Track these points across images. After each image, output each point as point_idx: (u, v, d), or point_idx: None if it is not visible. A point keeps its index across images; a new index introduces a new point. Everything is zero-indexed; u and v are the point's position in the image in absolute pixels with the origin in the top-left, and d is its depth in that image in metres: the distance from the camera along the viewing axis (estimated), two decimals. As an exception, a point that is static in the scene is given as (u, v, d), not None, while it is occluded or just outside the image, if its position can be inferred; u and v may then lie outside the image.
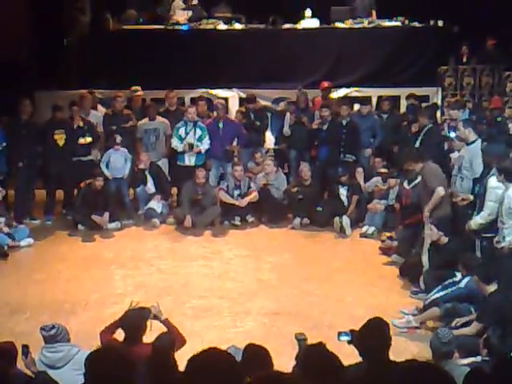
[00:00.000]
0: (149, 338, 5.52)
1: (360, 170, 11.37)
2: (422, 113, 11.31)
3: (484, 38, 13.76)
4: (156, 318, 5.77)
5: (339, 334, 5.05)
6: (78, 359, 5.43)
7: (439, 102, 13.30)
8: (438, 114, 12.98)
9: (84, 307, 8.23)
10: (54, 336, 5.68)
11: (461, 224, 8.40)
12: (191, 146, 11.54)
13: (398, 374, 3.39)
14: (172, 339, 5.45)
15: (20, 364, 5.32)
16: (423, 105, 12.49)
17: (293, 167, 12.25)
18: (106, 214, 10.97)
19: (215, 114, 12.20)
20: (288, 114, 12.39)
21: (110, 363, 3.49)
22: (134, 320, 5.54)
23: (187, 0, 14.08)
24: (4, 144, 10.93)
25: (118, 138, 11.48)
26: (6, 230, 10.21)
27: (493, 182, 7.82)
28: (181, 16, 13.79)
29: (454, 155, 9.52)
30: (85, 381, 3.70)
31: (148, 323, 5.57)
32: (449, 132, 10.79)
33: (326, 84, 12.87)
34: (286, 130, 12.32)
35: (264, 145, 12.56)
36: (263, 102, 12.99)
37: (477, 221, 7.96)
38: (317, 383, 3.73)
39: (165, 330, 5.75)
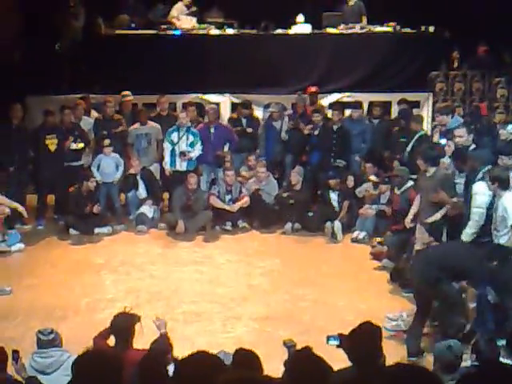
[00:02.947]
0: (139, 342, 5.54)
1: (350, 177, 11.38)
2: (413, 119, 11.36)
3: (475, 44, 13.81)
4: (157, 328, 5.76)
5: (328, 338, 5.05)
6: (68, 365, 5.41)
7: (430, 107, 13.35)
8: (429, 119, 13.03)
9: (75, 312, 8.25)
10: (52, 341, 5.69)
11: (453, 230, 8.41)
12: (183, 154, 11.54)
13: (386, 377, 3.40)
14: (169, 344, 5.50)
15: (10, 369, 5.30)
16: (414, 111, 12.53)
17: (288, 172, 12.25)
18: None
19: (206, 119, 12.22)
20: (286, 118, 12.43)
21: (96, 366, 3.49)
22: (123, 324, 5.55)
23: (188, 6, 14.06)
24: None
25: (107, 141, 11.48)
26: (-4, 235, 10.19)
27: (477, 187, 7.84)
28: (187, 22, 13.80)
29: (445, 160, 9.55)
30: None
31: (137, 327, 5.57)
32: (440, 138, 10.82)
33: (312, 89, 12.91)
34: (283, 135, 12.35)
35: (256, 150, 12.55)
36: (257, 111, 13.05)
37: (467, 232, 7.83)
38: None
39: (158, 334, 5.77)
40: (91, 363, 3.57)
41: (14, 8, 13.86)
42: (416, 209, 8.94)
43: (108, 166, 11.58)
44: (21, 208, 9.96)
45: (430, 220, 8.53)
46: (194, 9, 14.00)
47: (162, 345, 5.53)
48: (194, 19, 13.89)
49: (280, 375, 4.21)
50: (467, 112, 12.30)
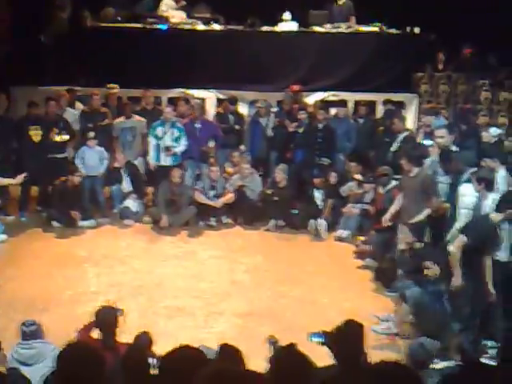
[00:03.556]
0: (122, 336, 5.55)
1: (333, 174, 11.42)
2: (398, 119, 11.42)
3: (460, 46, 13.91)
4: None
5: (311, 334, 5.08)
6: (50, 356, 5.43)
7: (415, 108, 13.42)
8: (414, 120, 13.11)
9: (57, 305, 8.23)
10: (34, 332, 5.68)
11: (436, 231, 8.48)
12: (167, 148, 11.53)
13: (369, 375, 3.43)
14: (151, 338, 5.51)
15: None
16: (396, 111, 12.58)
17: (272, 169, 12.27)
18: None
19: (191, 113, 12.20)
20: (273, 115, 12.45)
21: (79, 359, 3.50)
22: (107, 317, 5.56)
23: (177, 1, 14.03)
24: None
25: (91, 134, 11.45)
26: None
27: (464, 189, 7.90)
28: (178, 17, 13.77)
29: (428, 161, 9.62)
30: (54, 376, 3.71)
31: (120, 319, 5.59)
32: (424, 139, 10.89)
33: (295, 87, 12.92)
34: (269, 132, 12.37)
35: (241, 147, 12.56)
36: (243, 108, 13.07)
37: (454, 233, 7.86)
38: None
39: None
40: (75, 355, 3.57)
41: (1, 0, 13.79)
42: (396, 208, 9.00)
43: (92, 159, 11.53)
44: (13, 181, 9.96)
45: (414, 220, 8.60)
46: (183, 3, 13.97)
47: (145, 340, 5.55)
48: (184, 14, 13.88)
49: (261, 372, 4.23)
50: (452, 114, 12.38)
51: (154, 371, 4.44)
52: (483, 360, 5.67)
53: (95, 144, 11.53)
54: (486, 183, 7.56)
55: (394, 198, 9.37)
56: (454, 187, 8.45)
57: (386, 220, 9.02)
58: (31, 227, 10.96)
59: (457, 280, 7.16)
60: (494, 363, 5.72)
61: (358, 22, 13.91)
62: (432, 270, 7.35)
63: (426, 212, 8.61)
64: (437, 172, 9.14)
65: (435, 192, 8.80)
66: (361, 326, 4.61)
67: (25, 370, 5.35)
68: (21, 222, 11.20)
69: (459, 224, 7.86)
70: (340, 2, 13.87)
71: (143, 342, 5.49)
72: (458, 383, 4.15)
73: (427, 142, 10.31)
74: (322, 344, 4.98)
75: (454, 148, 9.39)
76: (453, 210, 8.13)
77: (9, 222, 10.94)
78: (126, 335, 5.68)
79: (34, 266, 9.39)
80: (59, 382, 3.59)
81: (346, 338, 4.46)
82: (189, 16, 13.94)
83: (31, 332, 5.65)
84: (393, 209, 9.06)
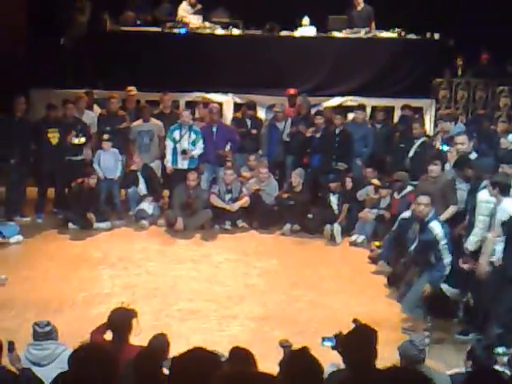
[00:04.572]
0: (135, 338, 5.55)
1: (349, 179, 11.39)
2: (418, 124, 11.37)
3: (479, 52, 13.86)
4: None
5: (323, 339, 5.08)
6: (63, 357, 5.42)
7: (433, 114, 13.38)
8: (431, 126, 13.07)
9: (71, 306, 8.24)
10: (48, 333, 5.69)
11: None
12: (184, 152, 11.55)
13: (380, 380, 3.41)
14: (167, 340, 5.51)
15: (4, 360, 5.30)
16: (416, 117, 12.54)
17: (288, 173, 12.25)
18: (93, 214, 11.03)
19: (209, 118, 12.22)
20: (290, 119, 12.44)
21: (92, 360, 3.50)
22: (120, 319, 5.55)
23: (193, 5, 14.07)
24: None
25: (105, 136, 11.51)
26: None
27: (483, 195, 7.83)
28: (195, 21, 13.83)
29: (447, 167, 9.58)
30: (67, 376, 3.71)
31: (134, 322, 5.58)
32: (442, 145, 10.84)
33: (291, 91, 12.90)
34: (285, 136, 12.37)
35: (258, 151, 12.56)
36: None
37: (472, 240, 7.76)
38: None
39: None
40: (88, 357, 3.58)
41: (19, 2, 13.90)
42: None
43: (107, 161, 11.59)
44: None
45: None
46: (198, 7, 14.01)
47: (161, 342, 5.54)
48: (201, 18, 13.93)
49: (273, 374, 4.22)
50: (470, 120, 12.32)
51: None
52: (496, 367, 5.60)
53: (110, 146, 11.58)
54: (501, 187, 7.50)
55: (409, 204, 9.31)
56: (472, 194, 8.37)
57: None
58: (47, 229, 11.02)
59: (484, 267, 7.26)
60: (507, 371, 5.66)
61: (378, 28, 13.90)
62: None
63: (451, 210, 8.56)
64: (455, 178, 9.10)
65: (454, 198, 8.74)
66: (373, 331, 4.58)
67: (38, 371, 5.36)
68: (37, 223, 11.26)
69: (477, 231, 7.81)
70: (359, 8, 13.87)
71: (159, 343, 5.49)
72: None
73: (445, 148, 10.25)
74: (333, 348, 4.98)
75: (473, 155, 9.32)
76: (471, 217, 8.05)
77: (25, 224, 11.00)
78: (139, 337, 5.67)
79: (49, 268, 9.43)
80: (72, 382, 3.59)
81: (357, 343, 4.43)
82: (207, 20, 13.97)
83: (45, 333, 5.66)
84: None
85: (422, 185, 9.15)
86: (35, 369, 5.40)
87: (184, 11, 13.93)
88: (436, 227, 7.52)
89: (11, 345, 5.38)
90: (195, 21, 13.87)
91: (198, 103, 12.79)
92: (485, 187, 7.91)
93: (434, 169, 9.18)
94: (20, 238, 10.40)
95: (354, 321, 5.35)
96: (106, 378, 3.48)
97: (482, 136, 10.71)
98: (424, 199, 7.56)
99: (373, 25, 13.87)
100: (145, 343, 5.46)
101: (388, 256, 9.48)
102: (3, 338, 5.34)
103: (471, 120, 12.30)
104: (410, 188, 9.89)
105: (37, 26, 13.37)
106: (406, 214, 7.86)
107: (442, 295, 7.73)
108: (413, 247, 7.79)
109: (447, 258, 7.53)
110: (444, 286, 7.78)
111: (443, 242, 7.48)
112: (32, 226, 11.03)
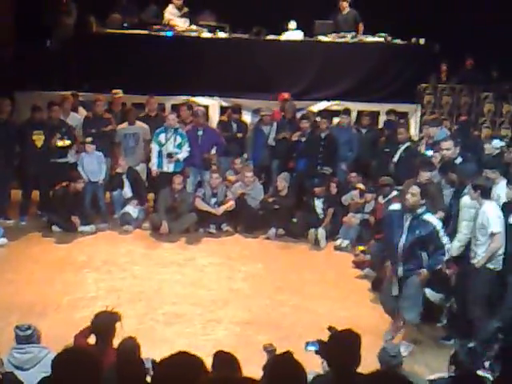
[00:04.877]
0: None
1: (333, 184, 11.43)
2: (403, 129, 11.43)
3: (464, 58, 13.93)
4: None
5: (307, 343, 5.09)
6: (46, 361, 5.41)
7: (418, 119, 13.45)
8: (416, 131, 13.13)
9: (55, 310, 8.22)
10: (29, 336, 5.66)
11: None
12: (170, 155, 11.54)
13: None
14: (136, 343, 5.45)
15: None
16: (401, 122, 12.59)
17: (274, 177, 12.27)
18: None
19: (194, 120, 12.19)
20: (275, 123, 12.45)
21: (75, 364, 3.49)
22: (104, 323, 5.54)
23: (180, 8, 14.05)
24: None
25: (88, 139, 11.48)
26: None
27: (466, 200, 7.89)
28: (181, 24, 13.82)
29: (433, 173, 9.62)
30: (50, 380, 3.70)
31: (118, 327, 5.57)
32: (426, 150, 10.89)
33: (285, 95, 12.91)
34: (271, 141, 12.38)
35: (243, 155, 12.57)
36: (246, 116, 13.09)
37: (455, 245, 7.83)
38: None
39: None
40: (71, 361, 3.57)
41: (6, 4, 13.84)
42: None
43: (91, 164, 11.56)
44: None
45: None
46: (185, 10, 14.00)
47: (129, 344, 5.47)
48: (188, 21, 13.92)
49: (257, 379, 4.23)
50: (457, 127, 12.36)
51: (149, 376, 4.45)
52: (480, 372, 5.64)
53: (93, 149, 11.55)
54: (482, 190, 7.54)
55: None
56: (456, 198, 8.43)
57: None
58: (31, 231, 10.98)
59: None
60: (489, 376, 5.69)
61: (364, 33, 13.94)
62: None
63: (439, 216, 8.59)
64: (440, 183, 9.15)
65: (442, 203, 8.78)
66: (357, 336, 4.60)
67: (20, 375, 5.33)
68: (21, 226, 11.20)
69: (461, 236, 7.86)
70: (344, 12, 13.92)
71: (130, 346, 5.42)
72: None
73: (429, 153, 10.31)
74: (317, 353, 4.99)
75: (459, 160, 9.37)
76: (455, 223, 8.10)
77: (9, 226, 10.95)
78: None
79: (33, 271, 9.39)
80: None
81: (341, 348, 4.44)
82: (193, 23, 13.96)
83: (26, 336, 5.63)
84: None
85: None
86: (18, 373, 5.38)
87: (171, 14, 13.91)
88: (432, 219, 7.44)
89: (-6, 348, 5.36)
90: (182, 24, 13.87)
91: (182, 105, 12.74)
92: (468, 192, 7.96)
93: (426, 175, 9.17)
94: (4, 240, 10.35)
95: (330, 328, 5.34)
96: (89, 381, 3.47)
97: (467, 142, 10.77)
98: (414, 189, 7.46)
99: (361, 26, 13.91)
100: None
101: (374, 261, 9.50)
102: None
103: (458, 127, 12.34)
104: (395, 193, 9.92)
105: (23, 28, 13.32)
106: (396, 206, 7.76)
107: (426, 300, 7.76)
108: (402, 242, 7.59)
109: (448, 243, 7.46)
110: (428, 291, 7.83)
111: (442, 231, 7.42)
112: (16, 229, 10.98)
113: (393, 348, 5.53)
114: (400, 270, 7.53)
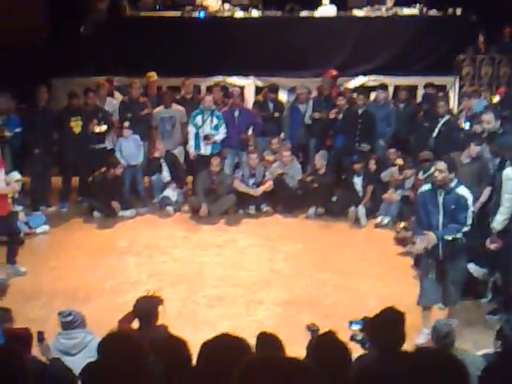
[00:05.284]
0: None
1: (372, 160, 11.29)
2: (443, 103, 11.21)
3: (502, 27, 13.63)
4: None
5: (350, 322, 5.07)
6: (92, 346, 5.47)
7: (457, 92, 13.21)
8: (455, 104, 12.91)
9: (98, 295, 8.30)
10: (71, 322, 5.73)
11: (481, 217, 8.28)
12: (207, 137, 11.52)
13: (408, 362, 3.37)
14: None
15: (35, 350, 5.35)
16: (440, 95, 12.37)
17: (311, 156, 12.19)
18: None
19: (230, 101, 12.15)
20: (311, 101, 12.35)
21: (121, 348, 3.52)
22: (146, 307, 5.58)
23: None
24: (19, 130, 10.92)
25: (126, 124, 11.51)
26: (23, 218, 10.18)
27: (509, 173, 7.72)
28: (214, 3, 13.76)
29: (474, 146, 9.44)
30: (96, 365, 3.73)
31: (160, 310, 5.59)
32: (465, 122, 10.72)
33: (333, 72, 12.75)
34: (307, 119, 12.29)
35: (280, 134, 12.49)
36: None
37: (499, 219, 7.62)
38: (327, 372, 3.72)
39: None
40: (116, 346, 3.60)
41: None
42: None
43: (129, 148, 11.60)
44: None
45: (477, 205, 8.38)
46: None
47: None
48: (220, 0, 13.85)
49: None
50: (500, 99, 12.09)
51: None
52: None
53: (130, 133, 11.58)
54: None
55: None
56: (500, 171, 8.24)
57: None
58: (72, 218, 11.09)
59: None
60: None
61: (399, 4, 13.73)
62: None
63: (487, 192, 8.42)
64: (488, 158, 8.99)
65: (489, 179, 8.61)
66: (400, 314, 4.54)
67: (67, 360, 5.40)
68: (62, 212, 11.33)
69: (504, 210, 7.69)
70: (378, -16, 13.71)
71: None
72: (499, 372, 4.07)
73: (466, 126, 10.14)
74: (361, 331, 4.95)
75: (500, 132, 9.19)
76: (498, 196, 7.93)
77: (50, 213, 11.08)
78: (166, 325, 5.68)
79: (76, 257, 9.50)
80: (101, 371, 3.61)
81: (384, 326, 4.39)
82: (226, 2, 13.89)
83: (67, 322, 5.69)
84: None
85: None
86: (65, 358, 5.44)
87: None
88: (465, 192, 7.17)
89: (41, 335, 5.43)
90: (214, 3, 13.80)
91: (214, 86, 12.68)
92: (510, 165, 7.80)
93: (476, 148, 8.98)
94: (46, 227, 10.48)
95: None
96: (134, 366, 3.49)
97: (507, 114, 10.55)
98: (441, 165, 7.25)
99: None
100: (173, 331, 5.45)
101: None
102: (32, 329, 5.40)
103: (499, 99, 12.06)
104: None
105: (56, 14, 13.39)
106: (426, 187, 7.58)
107: (470, 275, 7.66)
108: (440, 221, 7.40)
109: (467, 226, 7.26)
110: (472, 266, 7.72)
111: (471, 208, 7.21)
112: (57, 216, 11.11)
113: (442, 327, 5.44)
114: (441, 252, 7.30)
